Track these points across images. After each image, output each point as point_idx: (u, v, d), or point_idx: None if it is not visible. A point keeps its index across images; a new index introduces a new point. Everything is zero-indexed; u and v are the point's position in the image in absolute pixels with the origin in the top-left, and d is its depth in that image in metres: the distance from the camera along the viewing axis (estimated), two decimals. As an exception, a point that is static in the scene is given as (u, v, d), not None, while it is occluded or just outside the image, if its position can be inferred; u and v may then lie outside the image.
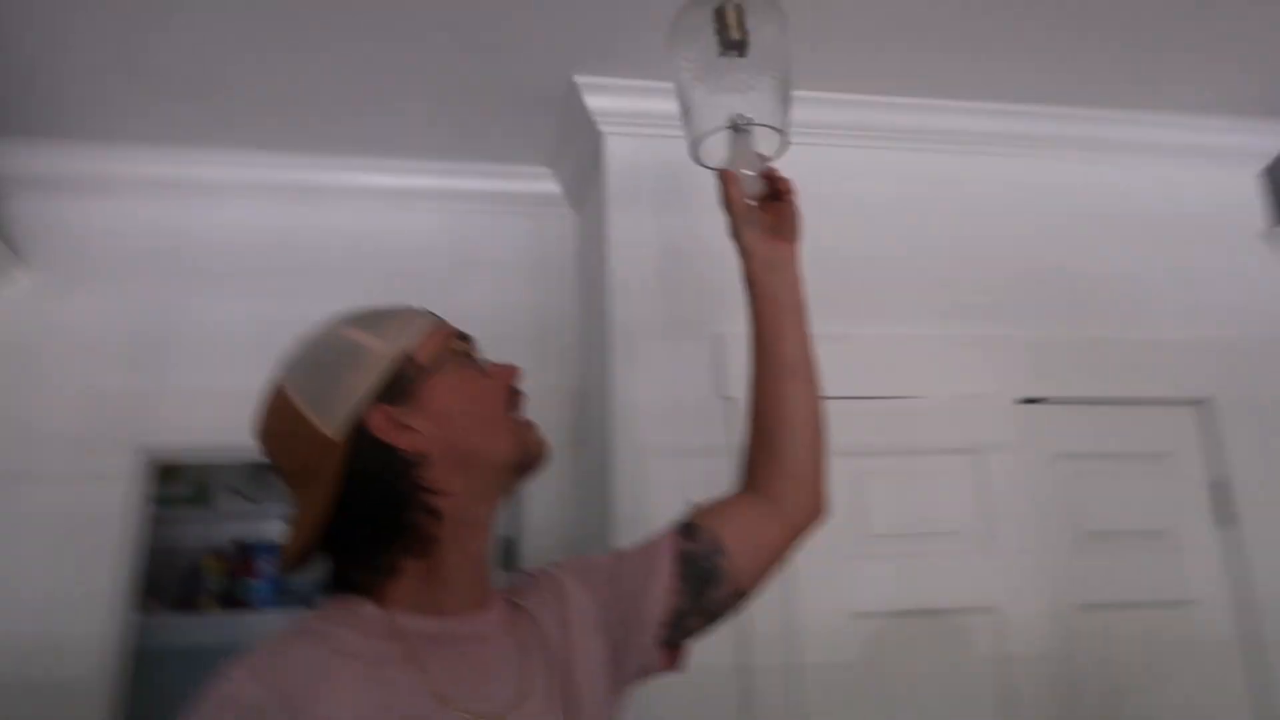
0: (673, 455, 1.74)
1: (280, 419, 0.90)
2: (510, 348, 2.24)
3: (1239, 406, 2.03)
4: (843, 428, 1.85)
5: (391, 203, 2.20)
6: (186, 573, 3.64)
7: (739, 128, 1.07)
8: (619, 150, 1.92)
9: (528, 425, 0.99)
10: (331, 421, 0.87)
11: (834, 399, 1.85)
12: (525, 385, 1.01)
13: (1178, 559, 1.93)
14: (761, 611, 1.64)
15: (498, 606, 0.96)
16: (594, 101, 1.89)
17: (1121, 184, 2.17)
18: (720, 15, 1.06)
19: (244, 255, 2.10)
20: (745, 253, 1.10)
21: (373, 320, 0.94)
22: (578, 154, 2.06)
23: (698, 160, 1.15)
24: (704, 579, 1.00)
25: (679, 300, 1.86)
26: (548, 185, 2.24)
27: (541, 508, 2.07)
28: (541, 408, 2.19)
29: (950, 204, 2.06)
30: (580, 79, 1.87)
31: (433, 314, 0.99)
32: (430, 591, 0.90)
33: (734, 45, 1.06)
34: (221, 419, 1.89)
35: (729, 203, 1.09)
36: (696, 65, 1.10)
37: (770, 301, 1.08)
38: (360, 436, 0.87)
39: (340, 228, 2.17)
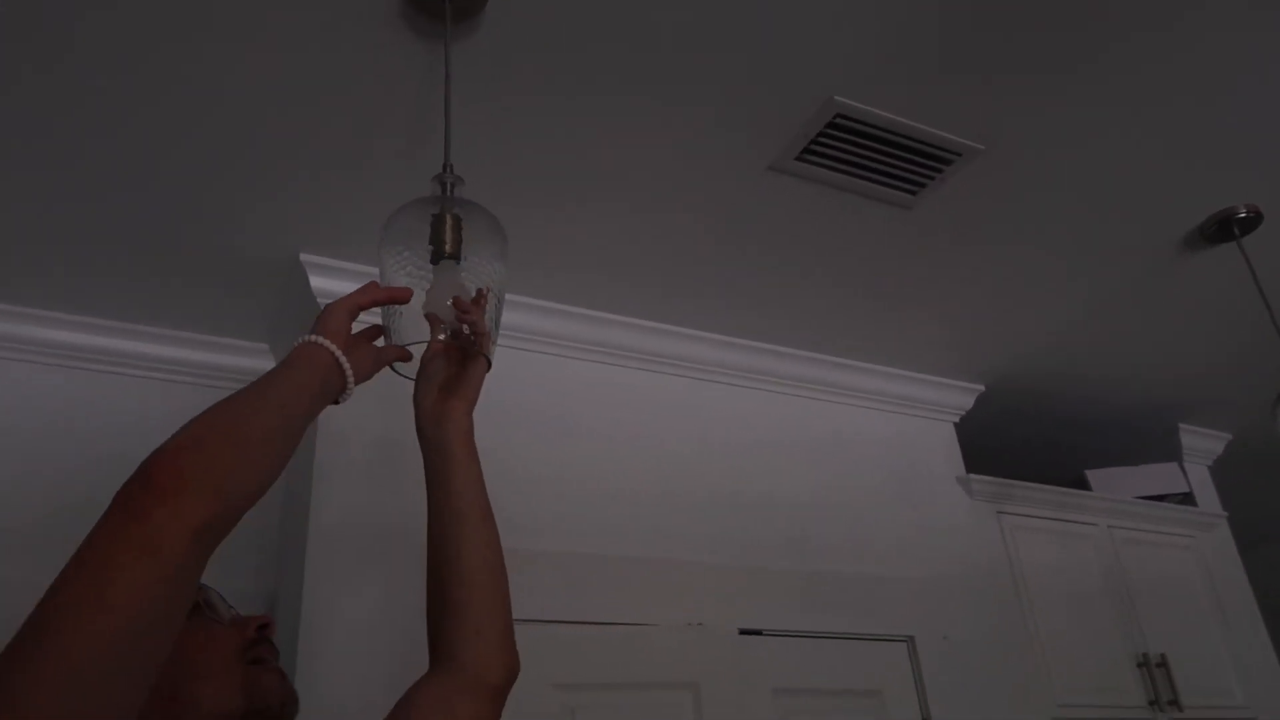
0: (372, 685, 1.53)
1: None
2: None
3: (937, 645, 2.10)
4: (556, 657, 1.77)
5: (76, 365, 1.91)
6: None
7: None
8: (341, 335, 1.79)
9: (262, 672, 0.92)
10: None
11: (552, 622, 1.83)
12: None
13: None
14: None
15: None
16: (319, 282, 1.77)
17: (842, 425, 2.31)
18: (438, 222, 1.00)
19: None
20: (417, 408, 1.06)
21: None
22: (297, 333, 1.89)
23: (395, 369, 1.05)
24: None
25: (391, 503, 1.70)
26: (264, 362, 2.05)
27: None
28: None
29: (679, 429, 2.08)
30: (306, 257, 1.76)
31: None
32: None
33: (449, 254, 0.99)
34: None
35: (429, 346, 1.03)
36: (408, 269, 1.02)
37: (436, 451, 1.04)
38: None
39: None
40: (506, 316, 1.79)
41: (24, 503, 1.76)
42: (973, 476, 2.38)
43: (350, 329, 0.94)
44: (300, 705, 1.47)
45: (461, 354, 1.03)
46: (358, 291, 0.97)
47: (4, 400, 1.84)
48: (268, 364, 2.04)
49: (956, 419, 2.50)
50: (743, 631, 1.91)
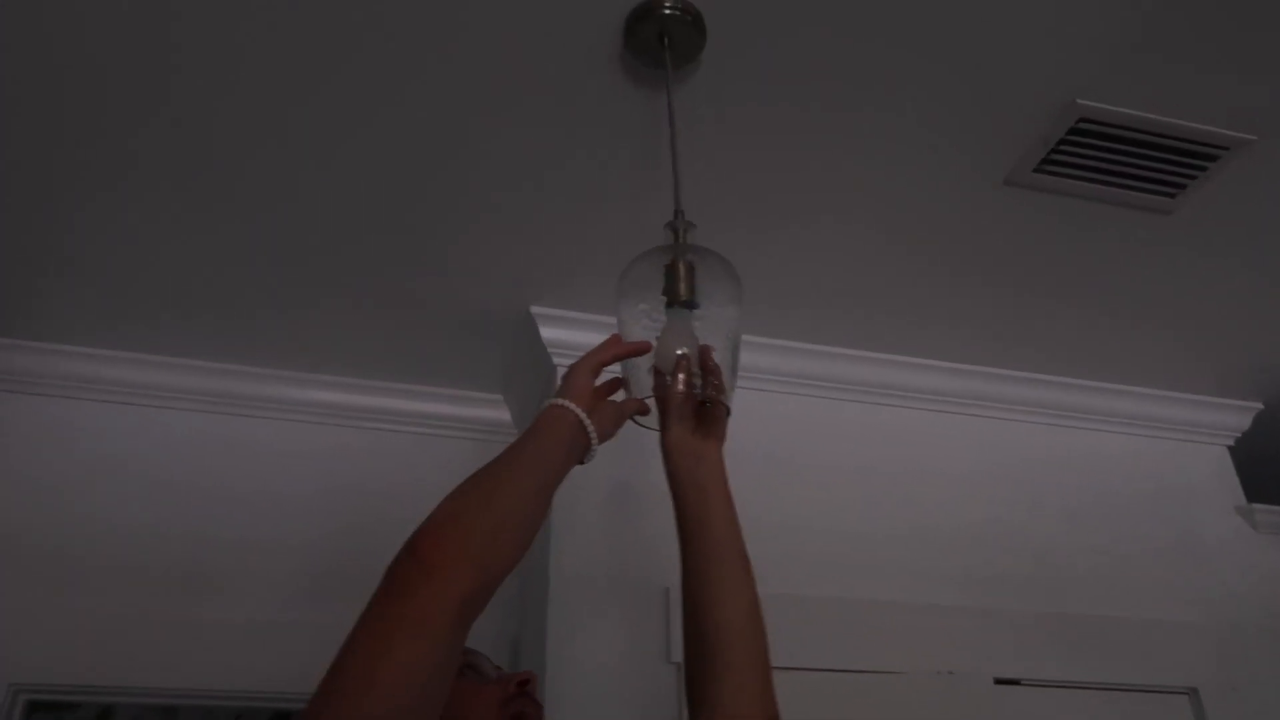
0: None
1: None
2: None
3: (1226, 698, 1.86)
4: (795, 705, 1.68)
5: (324, 419, 2.06)
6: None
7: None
8: (571, 383, 1.83)
9: None
10: None
11: (792, 670, 1.75)
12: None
13: None
14: None
15: None
16: (549, 333, 1.82)
17: (1094, 453, 2.12)
18: (671, 270, 0.99)
19: (156, 464, 1.92)
20: (669, 448, 1.01)
21: None
22: (529, 383, 1.97)
23: (637, 421, 1.04)
24: None
25: (625, 550, 1.70)
26: (498, 412, 2.13)
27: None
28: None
29: (917, 464, 1.98)
30: (537, 310, 1.81)
31: None
32: None
33: (683, 301, 0.98)
34: (117, 651, 1.69)
35: (667, 393, 1.00)
36: (645, 320, 1.01)
37: (695, 489, 0.99)
38: None
39: (262, 442, 2.00)
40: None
41: (306, 553, 1.91)
42: (1257, 507, 2.11)
43: (593, 388, 0.95)
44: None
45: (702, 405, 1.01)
46: (599, 349, 0.97)
47: (280, 459, 2.00)
48: (502, 414, 2.12)
49: (1231, 442, 2.23)
50: (998, 681, 1.77)
